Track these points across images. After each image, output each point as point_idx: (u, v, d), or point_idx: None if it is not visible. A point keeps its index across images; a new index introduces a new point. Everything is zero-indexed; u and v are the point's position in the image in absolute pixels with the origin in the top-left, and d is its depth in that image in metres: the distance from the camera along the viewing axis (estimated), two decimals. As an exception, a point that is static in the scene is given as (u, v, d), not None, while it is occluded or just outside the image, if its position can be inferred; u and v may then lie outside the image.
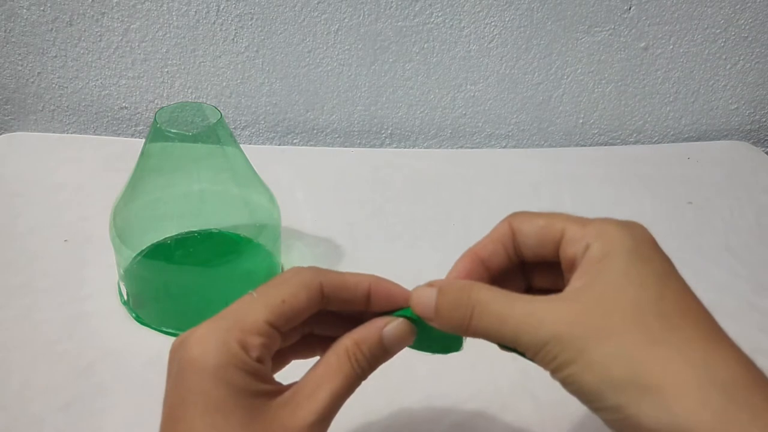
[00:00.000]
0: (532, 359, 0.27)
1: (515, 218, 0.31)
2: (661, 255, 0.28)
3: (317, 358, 0.30)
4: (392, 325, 0.30)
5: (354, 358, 0.29)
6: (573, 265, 0.29)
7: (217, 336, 0.27)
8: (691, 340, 0.25)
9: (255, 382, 0.27)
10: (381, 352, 0.30)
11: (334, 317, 0.33)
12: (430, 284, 0.30)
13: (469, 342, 0.32)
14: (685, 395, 0.24)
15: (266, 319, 0.28)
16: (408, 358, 0.33)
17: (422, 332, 0.31)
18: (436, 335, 0.31)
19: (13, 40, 0.68)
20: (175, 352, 0.28)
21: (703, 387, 0.24)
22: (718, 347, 0.25)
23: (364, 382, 0.30)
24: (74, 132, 0.74)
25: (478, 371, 0.46)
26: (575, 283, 0.27)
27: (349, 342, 0.29)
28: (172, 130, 0.44)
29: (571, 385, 0.26)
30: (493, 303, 0.28)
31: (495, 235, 0.31)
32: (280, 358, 0.33)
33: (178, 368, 0.27)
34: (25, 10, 0.66)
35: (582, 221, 0.29)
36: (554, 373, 0.27)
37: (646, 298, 0.26)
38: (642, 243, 0.28)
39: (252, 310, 0.28)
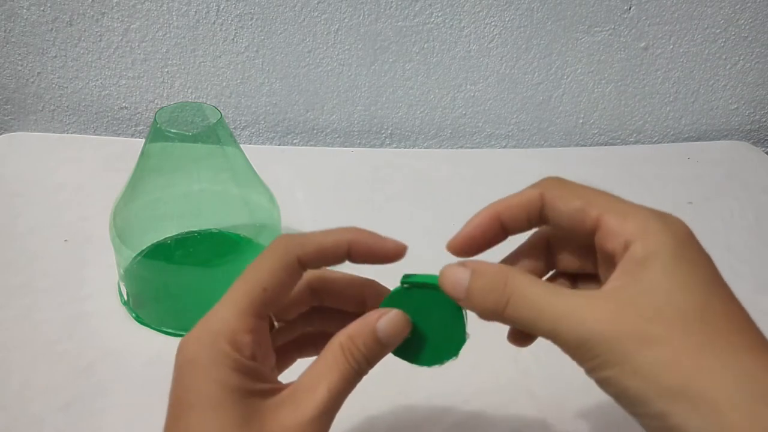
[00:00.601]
0: (567, 353, 0.26)
1: (549, 189, 0.29)
2: (705, 256, 0.27)
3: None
4: (386, 318, 0.29)
5: (349, 353, 0.28)
6: (611, 260, 0.27)
7: (208, 338, 0.27)
8: (739, 350, 0.24)
9: (250, 381, 0.27)
10: (377, 346, 0.29)
11: (336, 313, 0.33)
12: (462, 264, 0.29)
13: (469, 342, 0.32)
14: (736, 408, 0.23)
15: (253, 313, 0.28)
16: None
17: (416, 329, 0.31)
18: (433, 334, 0.31)
19: (13, 40, 0.68)
20: (177, 353, 0.28)
21: (753, 400, 0.23)
22: (766, 357, 0.24)
23: (364, 383, 0.29)
24: (74, 132, 0.74)
25: (478, 371, 0.46)
26: (617, 281, 0.26)
27: (343, 337, 0.29)
28: (172, 130, 0.44)
29: (611, 387, 0.25)
30: (531, 293, 0.27)
31: (522, 199, 0.30)
32: (285, 357, 0.33)
33: (178, 368, 0.28)
34: (25, 10, 0.66)
35: (621, 211, 0.28)
36: (591, 372, 0.26)
37: (693, 304, 0.25)
38: (684, 242, 0.27)
39: (237, 308, 0.28)
